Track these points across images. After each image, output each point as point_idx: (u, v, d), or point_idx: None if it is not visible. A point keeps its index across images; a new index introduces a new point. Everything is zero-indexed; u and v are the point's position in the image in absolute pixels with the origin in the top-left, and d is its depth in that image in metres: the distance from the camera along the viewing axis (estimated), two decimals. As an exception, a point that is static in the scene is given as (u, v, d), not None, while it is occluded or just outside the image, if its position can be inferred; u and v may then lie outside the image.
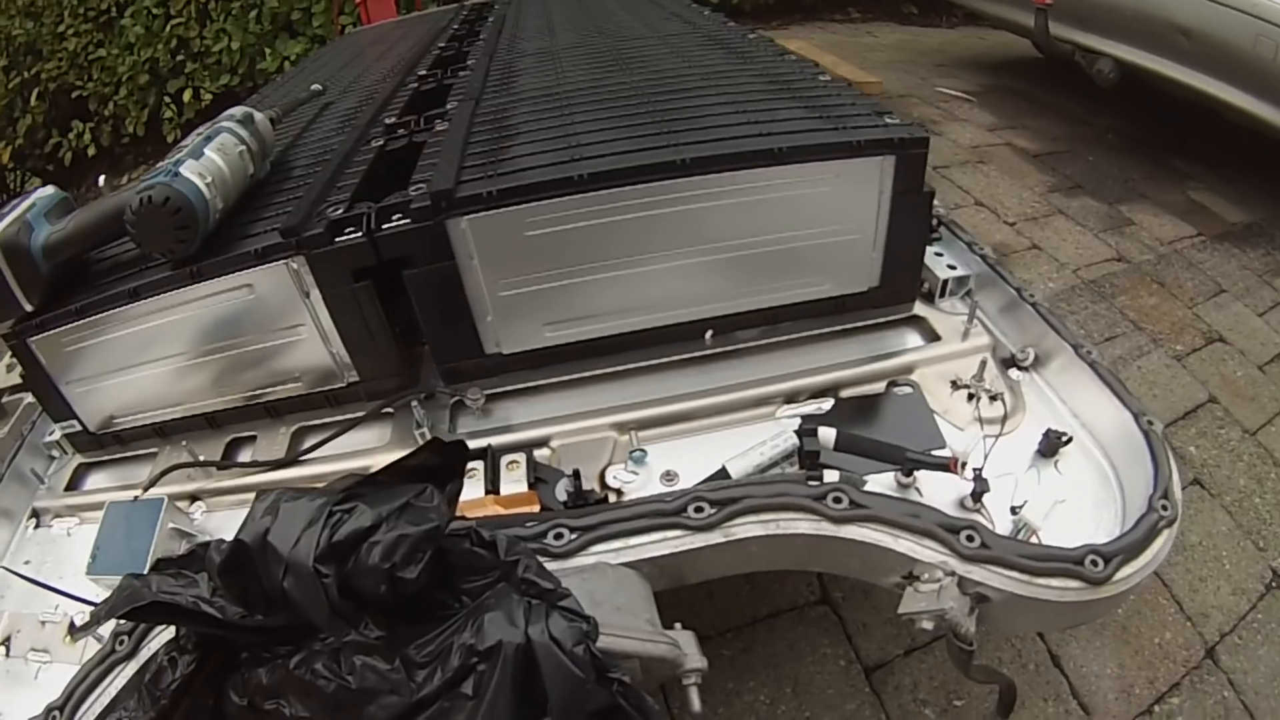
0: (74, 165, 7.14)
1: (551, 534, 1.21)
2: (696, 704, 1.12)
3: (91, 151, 7.13)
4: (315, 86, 2.42)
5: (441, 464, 1.11)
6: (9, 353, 2.34)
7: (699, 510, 1.21)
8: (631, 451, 1.46)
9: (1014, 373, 1.61)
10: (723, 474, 1.38)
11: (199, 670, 1.13)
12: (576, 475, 1.37)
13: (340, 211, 1.49)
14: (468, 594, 1.02)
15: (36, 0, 7.07)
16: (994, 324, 1.71)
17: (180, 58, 6.95)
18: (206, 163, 1.56)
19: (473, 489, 1.39)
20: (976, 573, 1.17)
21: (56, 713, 1.26)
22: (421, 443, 1.51)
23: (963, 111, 5.25)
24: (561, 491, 1.38)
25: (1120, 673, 2.00)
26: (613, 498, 1.41)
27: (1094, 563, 1.15)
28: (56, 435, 1.87)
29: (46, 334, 1.63)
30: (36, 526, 1.79)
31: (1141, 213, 4.01)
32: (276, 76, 6.54)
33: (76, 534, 1.72)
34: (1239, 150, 4.39)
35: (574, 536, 1.21)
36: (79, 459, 1.87)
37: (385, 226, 1.45)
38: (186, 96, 6.95)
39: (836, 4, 8.04)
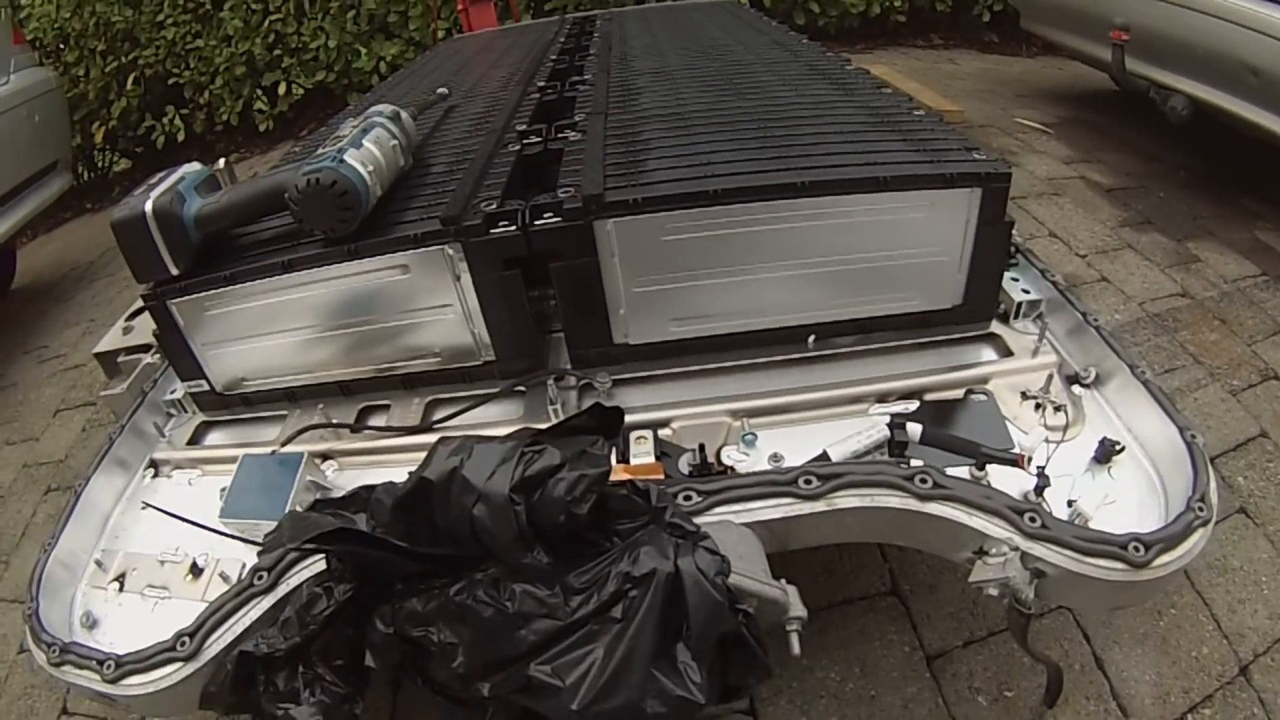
0: (165, 149, 7.39)
1: (681, 495, 1.39)
2: (797, 648, 1.29)
3: (182, 137, 7.35)
4: (441, 90, 2.58)
5: (601, 425, 1.29)
6: (125, 316, 2.54)
7: (808, 482, 1.39)
8: (744, 435, 1.64)
9: (1076, 388, 1.74)
10: (824, 457, 1.54)
11: (353, 598, 1.30)
12: (701, 449, 1.55)
13: (494, 206, 1.66)
14: (619, 535, 1.20)
15: (137, -11, 7.21)
16: (1061, 344, 1.84)
17: (277, 52, 7.17)
18: (366, 152, 1.73)
19: (605, 458, 1.57)
20: (1037, 549, 1.33)
21: (186, 638, 1.41)
22: (554, 419, 1.70)
23: (1040, 143, 5.29)
24: (684, 464, 1.55)
25: (1158, 680, 2.08)
26: (728, 472, 1.57)
27: (1136, 548, 1.30)
28: (179, 393, 2.04)
29: (188, 297, 1.79)
30: (155, 476, 1.95)
31: (1208, 250, 4.02)
32: (372, 76, 6.77)
33: (198, 483, 1.89)
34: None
35: (700, 499, 1.39)
36: (202, 417, 2.04)
37: (538, 222, 1.63)
38: (281, 90, 7.17)
39: (919, 30, 8.07)
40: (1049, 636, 2.15)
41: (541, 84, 2.64)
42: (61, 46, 7.48)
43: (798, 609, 1.29)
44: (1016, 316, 1.90)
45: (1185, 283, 3.76)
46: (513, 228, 1.62)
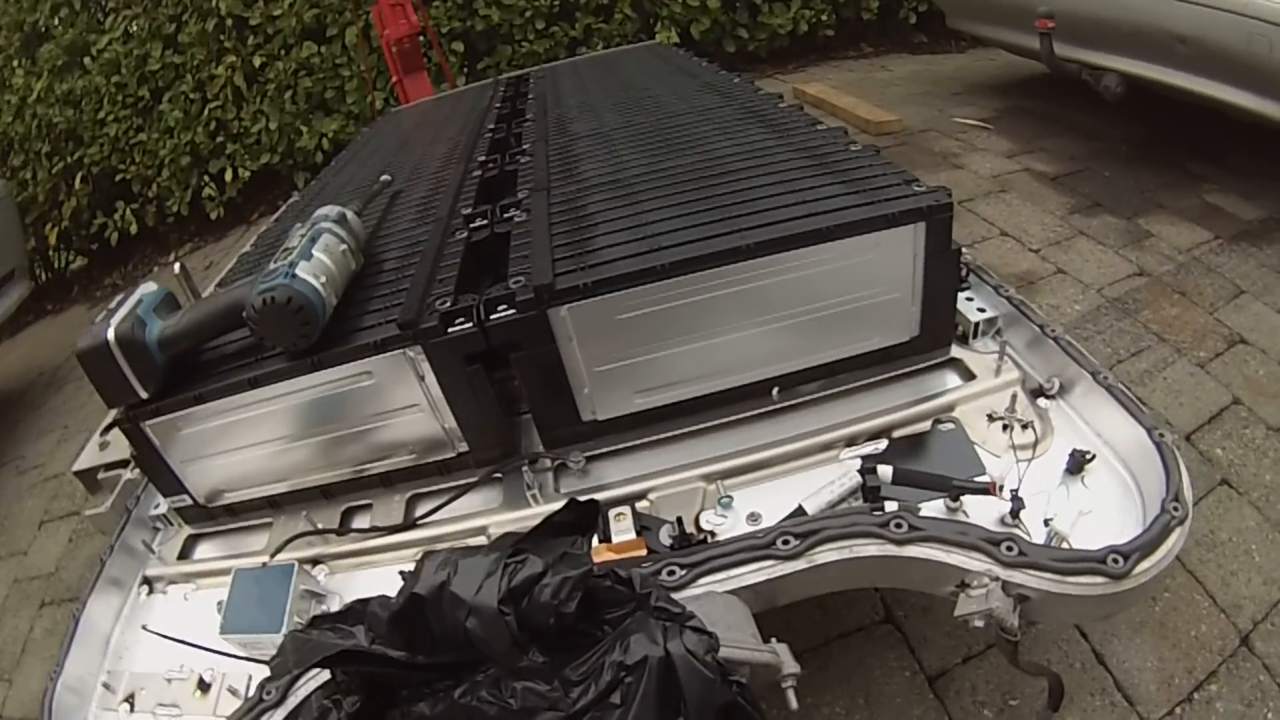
0: (119, 245, 7.43)
1: (665, 571, 1.42)
2: (794, 702, 1.32)
3: (134, 230, 7.37)
4: (385, 177, 2.57)
5: (579, 519, 1.32)
6: (99, 431, 2.55)
7: (785, 542, 1.42)
8: (720, 499, 1.66)
9: (1042, 401, 1.77)
10: (800, 512, 1.58)
11: (362, 709, 1.33)
12: (680, 522, 1.56)
13: (448, 304, 1.68)
14: (609, 623, 1.24)
15: (75, 89, 7.32)
16: (1022, 358, 1.87)
17: (220, 139, 7.20)
18: (317, 263, 1.73)
19: (585, 541, 1.59)
20: (1016, 576, 1.36)
21: None
22: (533, 504, 1.72)
23: (981, 141, 5.35)
24: (665, 536, 1.57)
25: (1160, 665, 2.11)
26: (708, 539, 1.59)
27: (1115, 561, 1.32)
28: (163, 509, 2.03)
29: (160, 419, 1.79)
30: (150, 593, 1.95)
31: (1159, 223, 4.09)
32: (316, 154, 6.79)
33: (194, 598, 1.89)
34: (1248, 148, 4.47)
35: (684, 572, 1.42)
36: (188, 530, 2.04)
37: (494, 317, 1.64)
38: (228, 176, 7.20)
39: (849, 41, 8.15)
40: (1046, 640, 2.19)
41: (482, 158, 2.66)
42: (7, 150, 7.53)
43: (790, 666, 1.32)
44: (975, 336, 1.92)
45: (1141, 261, 3.82)
46: (469, 324, 1.64)
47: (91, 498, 2.37)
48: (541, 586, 1.20)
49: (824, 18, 7.75)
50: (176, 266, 1.98)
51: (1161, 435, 1.52)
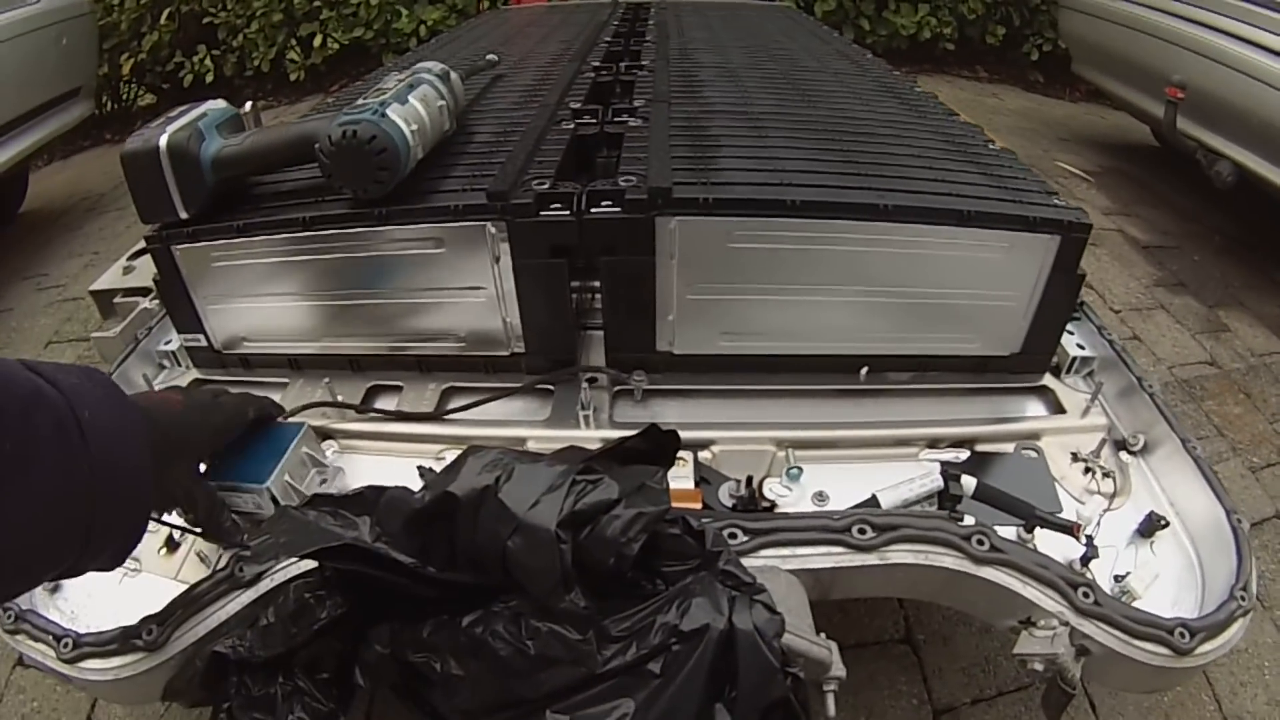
0: (191, 88, 7.30)
1: (726, 532, 1.27)
2: (833, 709, 1.20)
3: (210, 78, 7.27)
4: (491, 56, 2.46)
5: (657, 449, 1.16)
6: (127, 255, 2.43)
7: (862, 531, 1.28)
8: (789, 469, 1.51)
9: (1124, 455, 1.65)
10: (872, 502, 1.44)
11: (347, 615, 1.17)
12: (749, 481, 1.43)
13: (546, 186, 1.52)
14: (665, 577, 1.08)
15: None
16: (1110, 406, 1.75)
17: (316, 3, 7.07)
18: (410, 109, 1.58)
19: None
20: (1087, 626, 1.25)
21: (154, 627, 1.29)
22: (583, 425, 1.59)
23: (1080, 191, 5.24)
24: (726, 495, 1.44)
25: None
26: (772, 507, 1.46)
27: (1182, 634, 1.22)
28: (174, 345, 1.89)
29: (195, 244, 1.65)
30: None
31: (1238, 320, 3.99)
32: (411, 39, 6.69)
33: None
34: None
35: (746, 539, 1.27)
36: (195, 374, 1.89)
37: (594, 210, 1.49)
38: (316, 42, 7.09)
39: (966, 60, 8.05)
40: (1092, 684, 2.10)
41: (596, 64, 2.52)
42: (100, -27, 7.36)
43: (838, 668, 1.18)
44: (1068, 371, 1.80)
45: (1214, 351, 3.73)
46: (566, 212, 1.49)
47: (104, 322, 2.28)
48: (611, 517, 1.01)
49: (947, 30, 7.62)
50: (248, 105, 1.83)
51: (1239, 520, 1.41)
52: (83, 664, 1.31)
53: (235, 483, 1.39)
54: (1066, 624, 1.25)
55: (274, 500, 1.38)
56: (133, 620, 1.31)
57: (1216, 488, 1.47)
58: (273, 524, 1.19)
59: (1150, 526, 1.47)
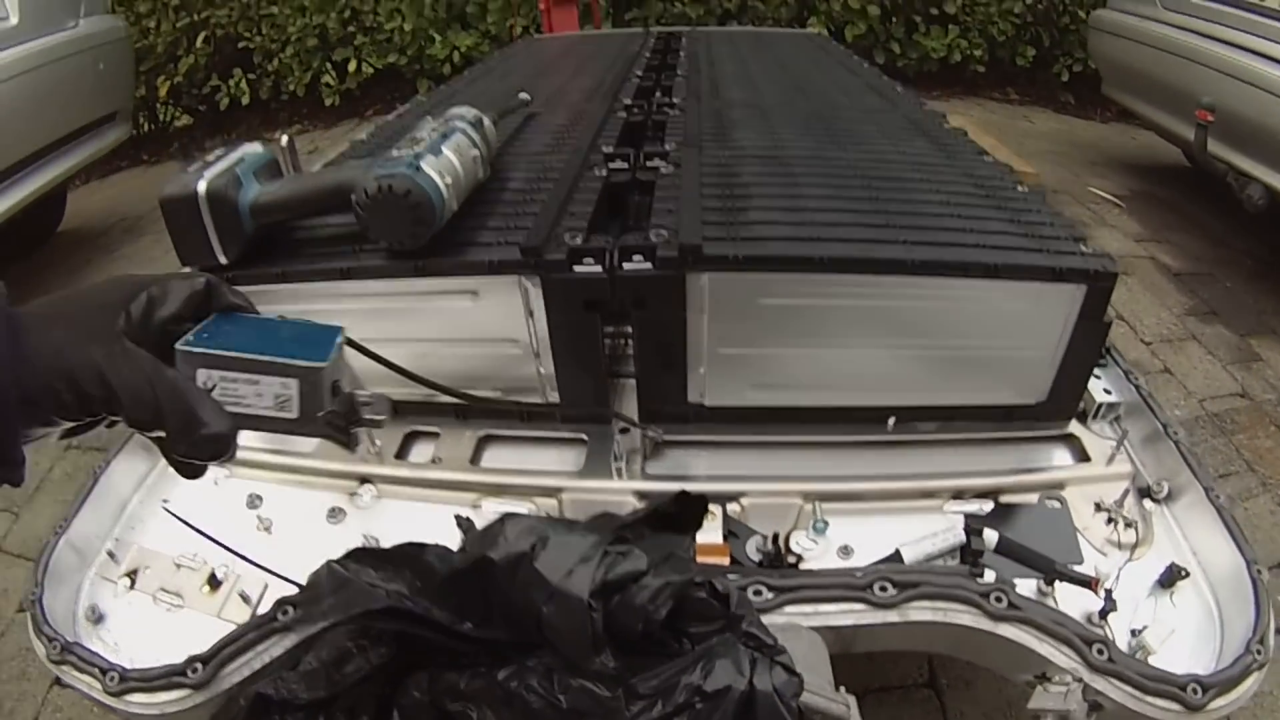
0: (227, 111, 7.48)
1: (752, 589, 1.30)
2: None
3: (246, 100, 7.41)
4: (523, 95, 2.47)
5: (686, 515, 1.19)
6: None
7: (883, 589, 1.30)
8: (815, 522, 1.53)
9: (1147, 503, 1.65)
10: (896, 557, 1.45)
11: (389, 664, 1.19)
12: (776, 538, 1.45)
13: (579, 240, 1.54)
14: (691, 638, 1.10)
15: (215, -52, 7.24)
16: (1134, 452, 1.74)
17: (351, 29, 7.21)
18: (445, 162, 1.59)
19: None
20: (1100, 682, 1.26)
21: (199, 665, 1.31)
22: (616, 477, 1.61)
23: (1112, 216, 5.24)
24: (753, 549, 1.46)
25: None
26: (798, 562, 1.48)
27: (1194, 690, 1.23)
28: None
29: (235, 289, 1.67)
30: None
31: (1270, 349, 3.95)
32: (444, 65, 6.76)
33: (224, 485, 1.75)
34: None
35: (771, 595, 1.30)
36: None
37: (626, 266, 1.50)
38: (351, 67, 7.22)
39: (996, 83, 8.05)
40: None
41: (628, 101, 2.54)
42: (135, -3, 7.49)
43: None
44: (1094, 417, 1.80)
45: (1246, 382, 3.70)
46: (598, 268, 1.50)
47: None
48: (639, 587, 1.05)
49: (977, 53, 7.62)
50: (284, 138, 1.86)
51: (1260, 572, 1.41)
52: (128, 697, 1.34)
53: (273, 358, 0.90)
54: (1080, 680, 1.26)
55: (333, 390, 0.95)
56: (173, 654, 1.34)
57: (1238, 538, 1.48)
58: (319, 581, 1.21)
59: (1171, 577, 1.47)
